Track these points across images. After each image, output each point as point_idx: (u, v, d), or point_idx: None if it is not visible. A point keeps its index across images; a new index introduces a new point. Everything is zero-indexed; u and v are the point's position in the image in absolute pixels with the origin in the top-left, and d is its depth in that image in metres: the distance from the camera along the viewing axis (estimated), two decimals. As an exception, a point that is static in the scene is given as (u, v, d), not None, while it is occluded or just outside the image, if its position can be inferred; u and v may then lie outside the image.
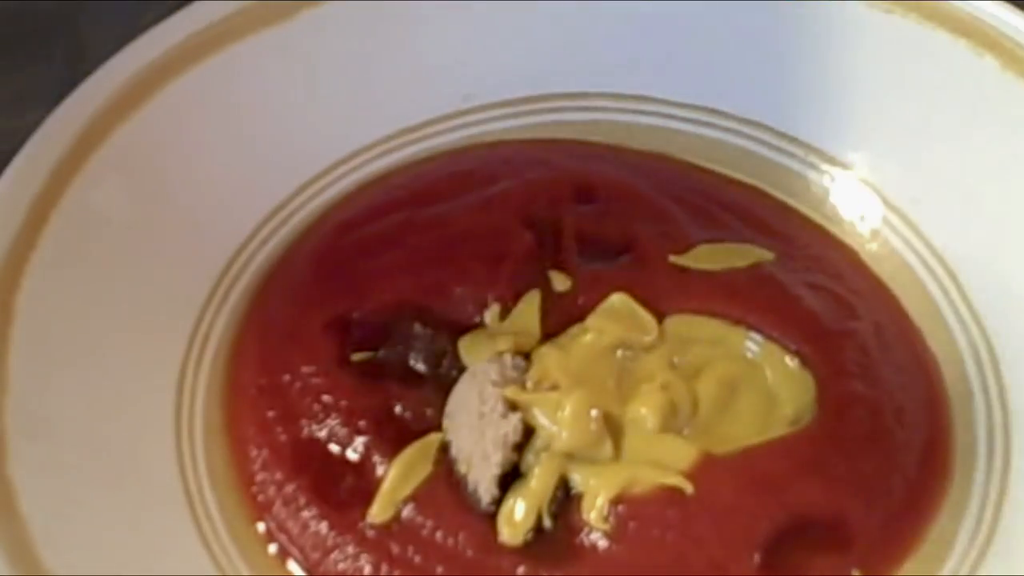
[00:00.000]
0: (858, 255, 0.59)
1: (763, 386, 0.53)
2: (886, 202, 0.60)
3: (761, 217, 0.60)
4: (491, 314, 0.54)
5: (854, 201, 0.60)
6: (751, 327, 0.54)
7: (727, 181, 0.62)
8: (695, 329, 0.54)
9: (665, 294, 0.55)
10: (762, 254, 0.57)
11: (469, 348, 0.53)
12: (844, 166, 0.61)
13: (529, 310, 0.54)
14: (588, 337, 0.53)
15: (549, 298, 0.55)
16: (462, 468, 0.50)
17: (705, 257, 0.56)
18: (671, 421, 0.50)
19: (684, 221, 0.58)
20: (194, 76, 0.57)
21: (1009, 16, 0.56)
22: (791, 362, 0.53)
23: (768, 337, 0.54)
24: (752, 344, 0.54)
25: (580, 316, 0.54)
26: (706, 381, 0.52)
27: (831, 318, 0.55)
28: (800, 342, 0.53)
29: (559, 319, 0.54)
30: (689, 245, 0.57)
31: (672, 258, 0.56)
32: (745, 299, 0.55)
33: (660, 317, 0.54)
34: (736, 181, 0.62)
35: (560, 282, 0.55)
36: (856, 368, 0.53)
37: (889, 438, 0.52)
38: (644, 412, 0.50)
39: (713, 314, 0.54)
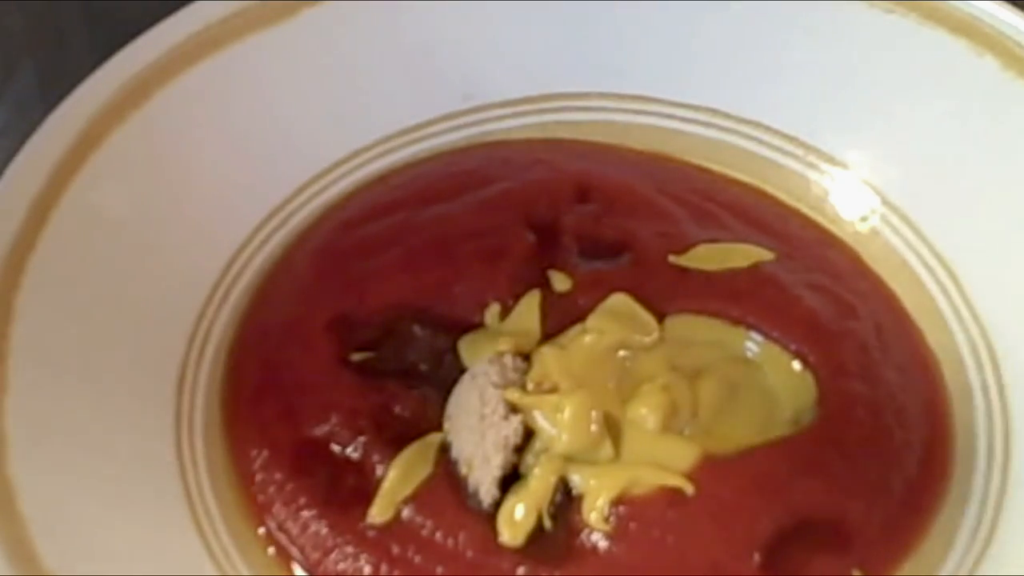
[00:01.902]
0: (858, 255, 0.59)
1: (763, 386, 0.53)
2: (886, 202, 0.60)
3: (761, 217, 0.60)
4: (491, 314, 0.54)
5: (854, 201, 0.60)
6: (751, 327, 0.54)
7: (727, 181, 0.62)
8: (695, 330, 0.54)
9: (665, 294, 0.55)
10: (762, 254, 0.57)
11: (469, 348, 0.53)
12: (844, 166, 0.61)
13: (529, 310, 0.54)
14: (588, 338, 0.53)
15: (549, 298, 0.55)
16: (463, 470, 0.50)
17: (704, 257, 0.56)
18: (672, 422, 0.50)
19: (684, 221, 0.58)
20: (194, 76, 0.57)
21: (1009, 16, 0.56)
22: (791, 363, 0.53)
23: (768, 337, 0.54)
24: (752, 344, 0.54)
25: (580, 316, 0.54)
26: (707, 382, 0.52)
27: (831, 318, 0.55)
28: (800, 342, 0.54)
29: (559, 319, 0.54)
30: (689, 245, 0.57)
31: (672, 258, 0.56)
32: (745, 299, 0.55)
33: (660, 317, 0.54)
34: (736, 181, 0.62)
35: (560, 282, 0.55)
36: (856, 368, 0.53)
37: (889, 438, 0.52)
38: (645, 413, 0.50)
39: (713, 314, 0.54)
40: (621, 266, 0.56)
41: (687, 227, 0.58)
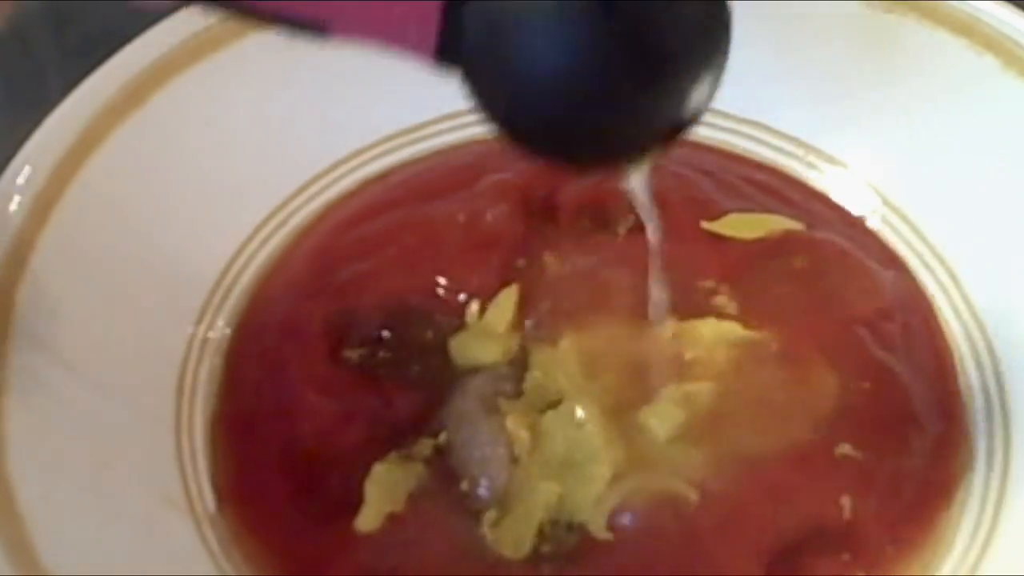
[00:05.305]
0: (879, 238, 0.58)
1: (781, 390, 0.52)
2: (886, 202, 0.60)
3: (786, 194, 0.59)
4: (472, 310, 0.53)
5: (854, 201, 0.60)
6: (776, 323, 0.53)
7: (745, 161, 0.61)
8: (711, 329, 0.53)
9: (702, 262, 0.54)
10: (793, 224, 0.56)
11: (460, 348, 0.53)
12: (844, 166, 0.61)
13: (506, 306, 0.53)
14: (590, 338, 0.52)
15: (546, 285, 0.54)
16: (461, 480, 0.49)
17: (737, 225, 0.55)
18: (681, 425, 0.50)
19: (709, 189, 0.57)
20: (194, 76, 0.57)
21: (1009, 16, 0.56)
22: (814, 365, 0.52)
23: (792, 334, 0.53)
24: (771, 344, 0.53)
25: (584, 302, 0.53)
26: (720, 383, 0.51)
27: (860, 314, 0.54)
28: (825, 340, 0.52)
29: (558, 304, 0.53)
30: (720, 212, 0.56)
31: (704, 224, 0.55)
32: (780, 286, 0.54)
33: (694, 287, 0.53)
34: (751, 161, 0.61)
35: (556, 265, 0.55)
36: (879, 370, 0.52)
37: (904, 443, 0.51)
38: (652, 417, 0.50)
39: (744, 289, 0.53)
40: (641, 233, 0.55)
41: (713, 194, 0.56)
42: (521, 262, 0.55)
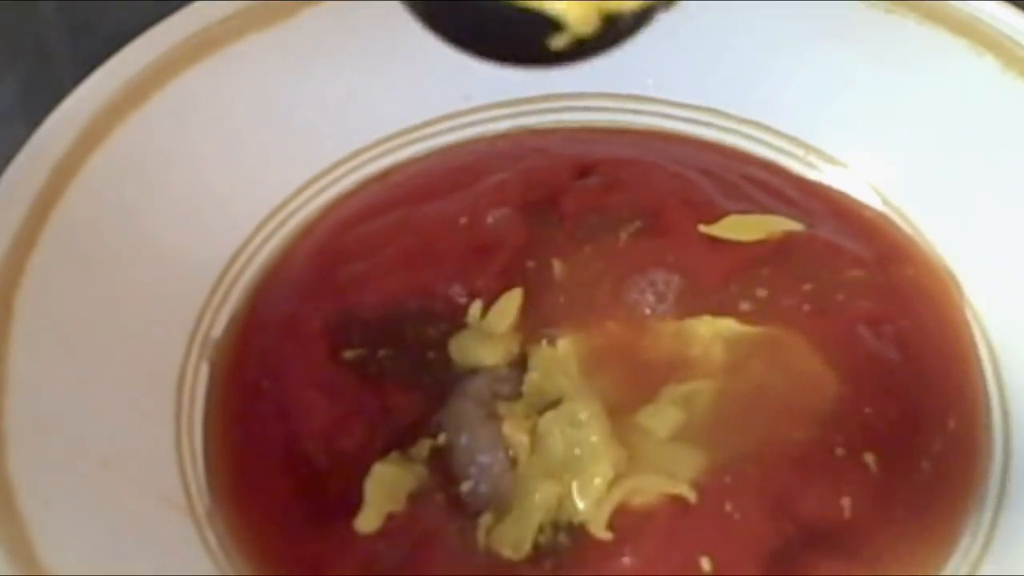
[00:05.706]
0: (879, 238, 0.58)
1: (781, 389, 0.52)
2: (886, 202, 0.60)
3: (786, 193, 0.59)
4: (474, 311, 0.53)
5: (854, 201, 0.60)
6: (776, 323, 0.53)
7: (744, 160, 0.61)
8: (708, 327, 0.53)
9: (702, 266, 0.54)
10: (794, 225, 0.56)
11: (461, 349, 0.53)
12: (844, 166, 0.61)
13: (509, 308, 0.53)
14: (590, 340, 0.52)
15: (547, 288, 0.54)
16: (461, 482, 0.49)
17: (737, 227, 0.55)
18: (681, 425, 0.50)
19: (708, 189, 0.57)
20: (194, 76, 0.57)
21: (1009, 16, 0.56)
22: (814, 365, 0.52)
23: (795, 333, 0.53)
24: (775, 343, 0.53)
25: (586, 303, 0.53)
26: (719, 383, 0.51)
27: (860, 314, 0.54)
28: (825, 340, 0.52)
29: (561, 308, 0.53)
30: (720, 213, 0.55)
31: (702, 227, 0.55)
32: (780, 287, 0.54)
33: (695, 292, 0.53)
34: (750, 157, 0.61)
35: (558, 269, 0.55)
36: (879, 370, 0.52)
37: (904, 443, 0.51)
38: (652, 417, 0.50)
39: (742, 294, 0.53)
40: (643, 236, 0.55)
41: (713, 195, 0.56)
42: (531, 263, 0.55)
